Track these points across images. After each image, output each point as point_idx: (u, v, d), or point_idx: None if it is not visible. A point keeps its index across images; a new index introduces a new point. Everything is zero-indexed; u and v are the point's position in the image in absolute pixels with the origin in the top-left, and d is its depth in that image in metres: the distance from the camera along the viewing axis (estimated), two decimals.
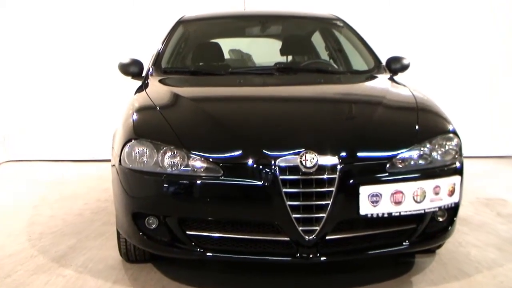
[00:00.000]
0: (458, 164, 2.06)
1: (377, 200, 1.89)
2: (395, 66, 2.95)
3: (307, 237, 1.87)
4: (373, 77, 2.88)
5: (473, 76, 5.13)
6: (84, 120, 5.30)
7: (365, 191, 1.88)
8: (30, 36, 5.22)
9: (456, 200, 2.02)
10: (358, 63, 3.12)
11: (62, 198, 3.71)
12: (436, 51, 5.07)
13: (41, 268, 2.35)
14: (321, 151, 1.88)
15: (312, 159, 1.86)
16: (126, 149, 2.03)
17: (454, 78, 5.12)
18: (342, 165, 1.87)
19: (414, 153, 1.99)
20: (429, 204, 1.95)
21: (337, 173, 1.86)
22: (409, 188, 1.92)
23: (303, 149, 1.88)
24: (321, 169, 1.86)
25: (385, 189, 1.90)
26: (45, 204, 3.56)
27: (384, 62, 3.00)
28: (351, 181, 1.88)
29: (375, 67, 2.96)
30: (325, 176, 1.86)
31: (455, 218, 2.10)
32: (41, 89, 5.32)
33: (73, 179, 4.50)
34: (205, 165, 1.92)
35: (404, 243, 2.01)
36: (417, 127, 2.10)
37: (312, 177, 1.86)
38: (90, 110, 5.28)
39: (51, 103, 5.33)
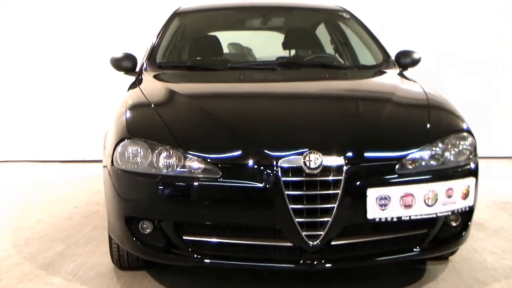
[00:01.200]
0: (472, 165, 2.06)
1: (385, 204, 1.89)
2: (405, 60, 2.95)
3: (311, 243, 1.87)
4: (382, 73, 2.88)
5: (471, 75, 5.21)
6: (74, 119, 5.31)
7: (373, 193, 1.88)
8: (20, 34, 5.25)
9: (471, 204, 2.02)
10: (366, 57, 3.13)
11: (51, 201, 3.72)
12: (436, 50, 5.12)
13: (27, 276, 2.35)
14: (326, 151, 1.88)
15: (316, 159, 1.86)
16: (119, 149, 2.03)
17: (452, 76, 5.18)
18: (348, 166, 1.87)
19: (425, 153, 1.99)
20: (441, 208, 1.95)
21: (343, 175, 1.86)
22: (420, 190, 1.92)
23: (307, 149, 1.88)
24: (326, 170, 1.86)
25: (394, 192, 1.90)
26: (32, 207, 3.57)
27: (393, 56, 3.00)
28: (358, 183, 1.88)
29: (384, 62, 2.96)
30: (330, 178, 1.86)
31: (469, 223, 2.10)
32: (29, 88, 5.33)
33: (62, 181, 4.50)
34: (202, 166, 1.92)
35: (414, 249, 2.01)
36: (428, 125, 2.10)
37: (316, 178, 1.86)
38: (80, 108, 5.29)
39: (39, 102, 5.34)
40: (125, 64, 2.89)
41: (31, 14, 5.26)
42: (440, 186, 1.94)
